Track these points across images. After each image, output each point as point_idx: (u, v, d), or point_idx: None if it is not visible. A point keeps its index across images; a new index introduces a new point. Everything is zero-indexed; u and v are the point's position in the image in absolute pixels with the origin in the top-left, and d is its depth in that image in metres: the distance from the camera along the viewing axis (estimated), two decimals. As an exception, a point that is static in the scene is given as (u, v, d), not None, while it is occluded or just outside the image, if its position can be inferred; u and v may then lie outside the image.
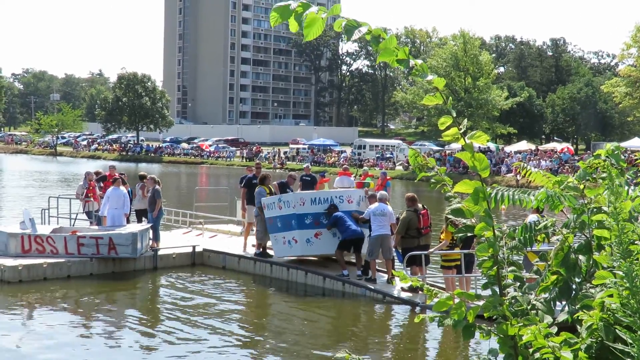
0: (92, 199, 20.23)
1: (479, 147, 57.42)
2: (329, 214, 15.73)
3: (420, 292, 14.19)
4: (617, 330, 2.56)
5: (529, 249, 3.33)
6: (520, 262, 3.21)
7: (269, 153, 78.01)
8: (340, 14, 2.71)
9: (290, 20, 2.67)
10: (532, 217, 12.40)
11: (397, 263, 15.42)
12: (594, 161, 3.21)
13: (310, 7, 2.67)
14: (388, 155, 71.92)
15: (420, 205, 14.88)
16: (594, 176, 3.18)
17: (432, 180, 3.19)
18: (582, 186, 3.17)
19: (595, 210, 3.05)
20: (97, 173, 21.72)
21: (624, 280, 2.49)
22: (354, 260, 15.85)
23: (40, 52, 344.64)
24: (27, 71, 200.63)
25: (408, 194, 15.29)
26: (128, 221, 18.84)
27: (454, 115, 2.84)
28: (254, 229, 18.01)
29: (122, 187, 18.35)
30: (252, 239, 18.11)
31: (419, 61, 2.76)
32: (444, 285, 14.05)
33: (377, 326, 13.64)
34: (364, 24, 2.71)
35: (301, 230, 15.83)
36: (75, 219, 20.74)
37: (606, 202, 2.93)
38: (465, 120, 2.96)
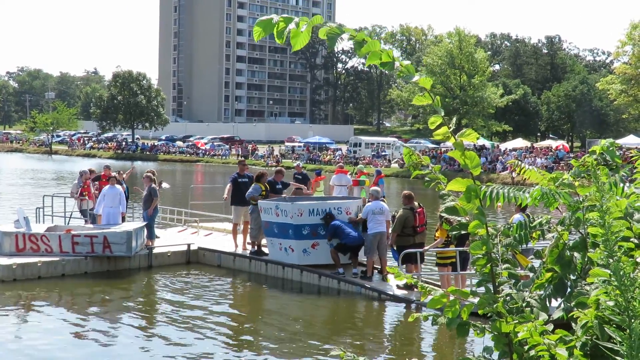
0: (87, 198, 20.16)
1: (474, 144, 57.49)
2: (325, 223, 15.61)
3: (415, 289, 14.20)
4: (605, 329, 2.55)
5: (524, 246, 3.33)
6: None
7: (267, 151, 77.94)
8: (326, 22, 2.71)
9: (275, 32, 2.69)
10: (516, 217, 12.41)
11: (392, 261, 15.42)
12: (588, 159, 3.20)
13: (292, 21, 2.67)
14: (384, 153, 71.92)
15: (416, 204, 14.87)
16: (588, 173, 3.17)
17: (427, 179, 3.18)
18: (577, 183, 3.16)
19: (590, 207, 3.04)
20: (91, 171, 21.65)
21: (613, 279, 2.48)
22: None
23: (35, 50, 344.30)
24: (22, 69, 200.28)
25: (405, 192, 15.26)
26: (124, 220, 18.79)
27: (442, 114, 2.83)
28: (241, 227, 17.95)
29: (117, 186, 18.30)
30: (241, 238, 18.06)
31: (406, 62, 2.76)
32: (439, 283, 14.05)
33: (373, 324, 13.63)
34: (347, 30, 2.70)
35: (298, 241, 15.77)
36: (70, 217, 20.69)
37: (600, 200, 2.92)
38: (454, 118, 2.95)
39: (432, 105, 2.87)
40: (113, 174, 19.86)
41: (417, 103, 2.89)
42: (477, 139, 2.87)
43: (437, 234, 14.12)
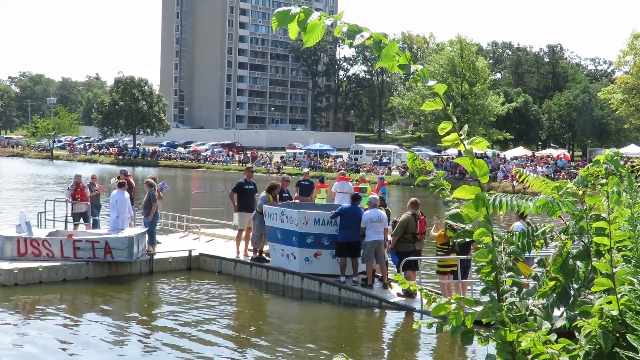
0: (79, 200, 20.27)
1: (475, 153, 57.46)
2: (352, 199, 15.79)
3: (415, 297, 14.21)
4: (627, 336, 2.55)
5: (527, 254, 3.33)
6: None
7: (266, 158, 78.00)
8: (342, 20, 2.71)
9: (290, 26, 2.66)
10: (517, 225, 12.41)
11: (392, 266, 15.42)
12: (593, 168, 3.20)
13: (313, 14, 2.66)
14: (385, 161, 71.97)
15: (419, 212, 14.91)
16: (593, 183, 3.18)
17: (431, 185, 3.18)
18: (581, 192, 3.17)
19: (594, 217, 3.05)
20: (93, 177, 21.72)
21: (638, 286, 2.49)
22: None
23: (37, 55, 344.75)
24: (24, 74, 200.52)
25: (412, 199, 15.33)
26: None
27: (455, 121, 2.83)
28: (244, 234, 17.92)
29: (125, 192, 18.32)
30: (244, 244, 18.04)
31: (420, 66, 2.76)
32: (439, 291, 14.04)
33: (373, 331, 13.62)
34: (365, 29, 2.71)
35: (301, 249, 15.79)
36: (67, 222, 20.62)
37: (605, 209, 2.92)
38: (466, 126, 2.95)
39: (434, 113, 2.87)
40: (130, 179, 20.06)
41: (427, 108, 2.88)
42: (488, 147, 2.87)
43: (435, 234, 14.22)
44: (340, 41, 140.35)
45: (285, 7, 2.69)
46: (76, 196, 20.36)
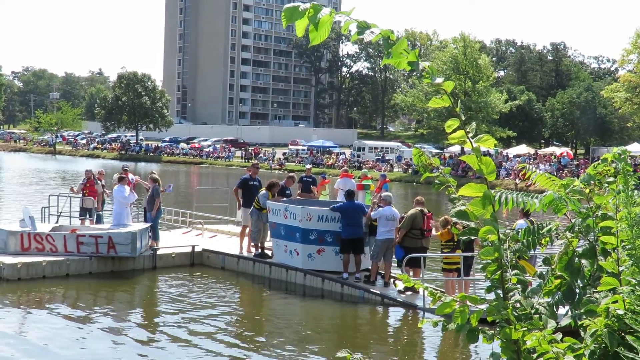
0: (87, 195, 20.24)
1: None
2: (347, 196, 15.79)
3: (418, 293, 14.21)
4: (625, 337, 2.55)
5: (532, 252, 3.33)
6: None
7: (269, 154, 78.01)
8: (350, 16, 2.70)
9: (298, 22, 2.64)
10: (520, 223, 12.38)
11: (395, 263, 15.41)
12: (601, 166, 3.19)
13: (323, 9, 2.64)
14: (388, 158, 71.93)
15: (425, 209, 14.91)
16: (600, 181, 3.17)
17: (436, 181, 3.17)
18: (587, 190, 3.17)
19: (601, 216, 3.05)
20: (100, 173, 21.74)
21: (637, 287, 2.48)
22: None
23: (40, 50, 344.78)
24: (27, 69, 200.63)
25: (417, 197, 15.32)
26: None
27: (463, 118, 2.82)
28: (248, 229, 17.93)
29: (126, 186, 18.33)
30: (247, 240, 18.04)
31: (427, 63, 2.75)
32: (442, 289, 14.04)
33: (376, 328, 13.63)
34: (373, 25, 2.70)
35: (304, 245, 15.79)
36: (59, 215, 20.51)
37: (613, 208, 2.92)
38: (474, 123, 2.94)
39: (437, 110, 2.86)
40: (132, 177, 20.04)
41: (434, 105, 2.87)
42: (495, 145, 2.86)
43: (437, 233, 14.20)
44: (343, 38, 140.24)
45: (292, 4, 2.67)
46: (85, 191, 20.30)
